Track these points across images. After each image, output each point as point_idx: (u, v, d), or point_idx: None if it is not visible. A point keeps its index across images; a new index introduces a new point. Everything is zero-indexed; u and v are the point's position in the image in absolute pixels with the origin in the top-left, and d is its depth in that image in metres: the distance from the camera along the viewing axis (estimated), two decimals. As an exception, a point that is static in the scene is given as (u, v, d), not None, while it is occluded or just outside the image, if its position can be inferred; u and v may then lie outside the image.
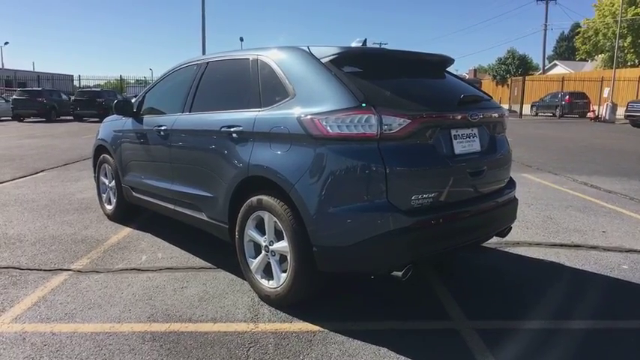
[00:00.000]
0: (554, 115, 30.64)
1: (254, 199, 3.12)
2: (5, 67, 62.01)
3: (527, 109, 32.50)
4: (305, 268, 2.88)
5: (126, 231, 4.84)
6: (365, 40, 3.65)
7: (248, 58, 3.48)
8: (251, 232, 3.23)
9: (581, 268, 3.91)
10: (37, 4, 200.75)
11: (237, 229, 3.31)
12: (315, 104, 2.85)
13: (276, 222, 3.01)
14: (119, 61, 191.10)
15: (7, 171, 8.45)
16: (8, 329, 2.84)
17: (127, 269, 3.80)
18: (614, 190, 7.11)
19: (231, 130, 3.30)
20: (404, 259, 2.73)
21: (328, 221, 2.75)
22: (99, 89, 27.78)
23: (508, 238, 4.58)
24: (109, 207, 5.27)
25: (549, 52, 66.69)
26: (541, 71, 44.79)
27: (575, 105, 29.74)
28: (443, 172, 2.89)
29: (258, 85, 3.30)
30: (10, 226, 5.00)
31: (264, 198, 3.04)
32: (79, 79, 37.29)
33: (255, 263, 3.25)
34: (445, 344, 2.71)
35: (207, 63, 3.94)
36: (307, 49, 3.14)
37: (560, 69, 44.27)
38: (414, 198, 2.72)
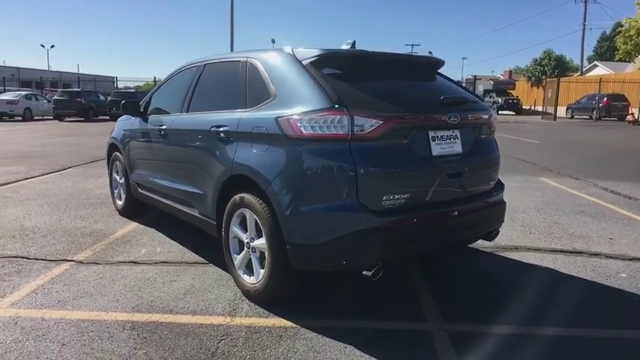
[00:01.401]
0: (590, 118, 29.59)
1: (237, 196, 3.22)
2: (52, 69, 64.91)
3: (562, 112, 31.52)
4: (280, 265, 2.95)
5: (132, 226, 5.04)
6: (354, 43, 3.68)
7: (239, 61, 3.59)
8: (235, 229, 3.33)
9: (575, 275, 3.82)
10: (83, 9, 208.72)
11: (223, 225, 3.42)
12: (292, 105, 2.93)
13: (256, 219, 3.10)
14: (157, 62, 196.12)
15: (38, 167, 8.89)
16: (3, 313, 3.03)
17: (124, 262, 3.98)
18: (635, 196, 6.86)
19: (220, 129, 3.41)
20: (373, 259, 2.76)
21: (300, 219, 2.82)
22: (133, 90, 28.70)
23: (507, 242, 4.57)
24: (119, 202, 5.49)
25: (590, 52, 64.47)
26: (579, 72, 43.27)
27: (614, 107, 28.61)
28: (418, 174, 2.90)
29: (245, 87, 3.40)
30: (28, 218, 5.29)
31: (246, 196, 3.13)
32: (117, 81, 38.36)
33: (238, 259, 3.34)
34: (412, 345, 2.73)
35: (205, 65, 4.07)
36: (291, 52, 3.21)
37: (601, 70, 42.63)
38: (385, 198, 2.75)
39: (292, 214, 2.83)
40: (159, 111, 4.62)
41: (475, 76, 33.51)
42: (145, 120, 4.70)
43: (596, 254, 4.31)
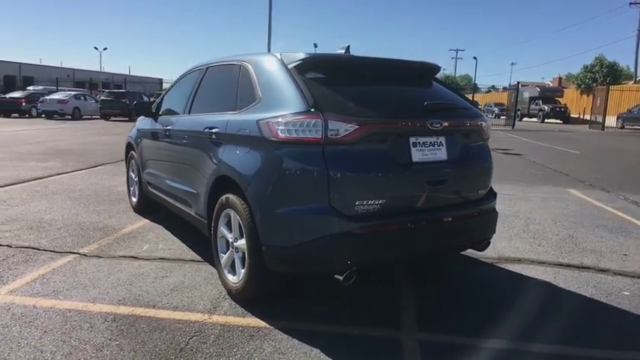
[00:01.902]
0: (642, 129, 28.09)
1: (224, 197, 3.29)
2: (105, 70, 68.01)
3: (613, 122, 30.07)
4: (258, 266, 2.99)
5: (142, 222, 5.23)
6: (348, 47, 3.69)
7: (234, 64, 3.67)
8: (222, 229, 3.40)
9: (574, 290, 3.66)
10: (134, 12, 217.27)
11: (212, 225, 3.50)
12: (274, 108, 2.97)
13: (239, 220, 3.15)
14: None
15: (72, 164, 9.35)
16: (0, 300, 3.22)
17: (125, 256, 4.13)
18: (667, 211, 6.48)
19: (212, 131, 3.50)
20: (344, 264, 2.75)
21: (274, 221, 2.85)
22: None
23: (511, 253, 4.43)
24: (134, 199, 5.71)
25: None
26: (633, 80, 41.12)
27: (668, 118, 27.05)
28: (395, 180, 2.87)
29: (237, 90, 3.48)
30: (49, 211, 5.58)
31: (230, 196, 3.20)
32: (163, 82, 39.68)
33: (224, 258, 3.41)
34: (378, 352, 2.70)
35: (207, 68, 4.18)
36: (279, 56, 3.25)
37: (659, 78, 40.37)
38: (358, 203, 2.74)
39: (267, 215, 2.87)
40: (167, 112, 4.78)
41: (518, 82, 32.37)
42: (156, 120, 4.87)
43: (603, 270, 4.11)
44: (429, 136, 3.02)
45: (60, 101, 25.22)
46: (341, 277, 2.76)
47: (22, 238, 4.53)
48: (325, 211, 2.71)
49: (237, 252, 3.25)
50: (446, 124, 3.07)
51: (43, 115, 25.83)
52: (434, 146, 3.05)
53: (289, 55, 3.19)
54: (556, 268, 4.15)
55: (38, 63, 60.51)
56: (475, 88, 42.71)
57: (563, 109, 37.40)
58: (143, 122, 5.29)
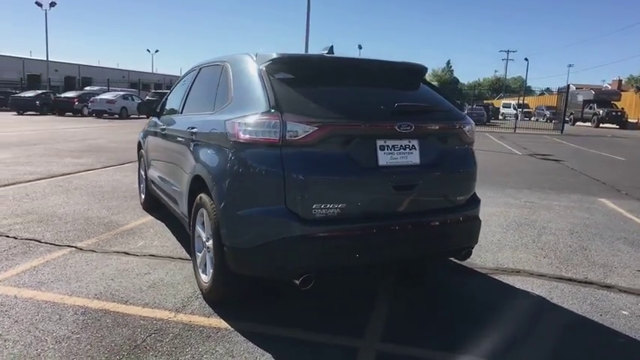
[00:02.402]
0: None
1: (198, 196, 3.30)
2: (157, 72, 70.69)
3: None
4: (223, 267, 2.98)
5: (146, 219, 5.35)
6: (331, 47, 3.62)
7: (218, 65, 3.69)
8: (198, 228, 3.42)
9: (566, 307, 3.42)
10: (184, 14, 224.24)
11: (191, 223, 3.53)
12: (241, 109, 2.95)
13: (208, 219, 3.15)
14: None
15: (103, 160, 9.74)
16: (-15, 288, 3.38)
17: (117, 252, 4.24)
18: None
19: (192, 131, 3.53)
20: (300, 268, 2.69)
21: (234, 222, 2.83)
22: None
23: (511, 264, 4.22)
24: (142, 196, 5.86)
25: None
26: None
27: None
28: (357, 184, 2.78)
29: (216, 90, 3.49)
30: (64, 206, 5.82)
31: (203, 196, 3.21)
32: None
33: (199, 257, 3.42)
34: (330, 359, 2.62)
35: (200, 68, 4.23)
36: (253, 56, 3.23)
37: None
38: (315, 207, 2.67)
39: (227, 216, 2.85)
40: (167, 111, 4.87)
41: (568, 84, 30.88)
42: (159, 120, 4.98)
43: (608, 286, 3.82)
44: (399, 139, 2.90)
45: (108, 101, 26.42)
46: (297, 282, 2.70)
47: (30, 231, 4.74)
48: (281, 213, 2.66)
49: (209, 252, 3.25)
50: (418, 126, 2.94)
51: (94, 114, 27.14)
52: (405, 150, 2.93)
53: (263, 56, 3.16)
54: (555, 281, 3.90)
55: (96, 65, 63.65)
56: (528, 91, 41.06)
57: (619, 114, 35.36)
58: (150, 122, 5.43)
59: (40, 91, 30.24)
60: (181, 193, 3.82)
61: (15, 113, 28.01)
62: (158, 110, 5.10)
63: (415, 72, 3.45)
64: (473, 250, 4.49)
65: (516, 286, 3.78)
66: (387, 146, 2.87)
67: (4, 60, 51.84)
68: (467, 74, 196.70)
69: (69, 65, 56.30)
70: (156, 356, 2.60)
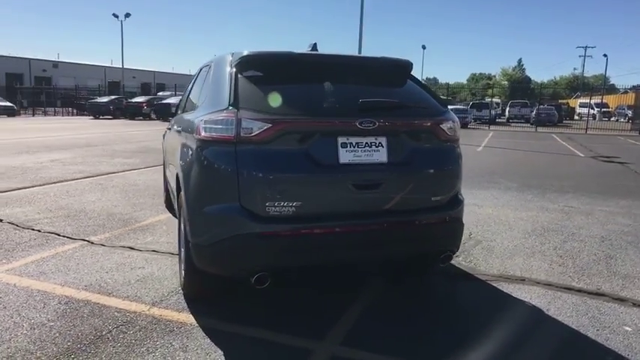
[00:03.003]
0: None
1: (180, 194, 3.38)
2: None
3: None
4: (191, 263, 3.02)
5: (164, 216, 5.56)
6: (315, 45, 3.57)
7: (208, 64, 3.76)
8: (181, 225, 3.50)
9: (561, 320, 3.13)
10: (246, 21, 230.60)
11: (179, 219, 3.62)
12: (209, 107, 2.99)
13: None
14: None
15: (149, 161, 10.25)
16: (-7, 276, 3.66)
17: (123, 246, 4.43)
18: None
19: (178, 129, 3.63)
20: (253, 266, 2.67)
21: (195, 219, 2.86)
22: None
23: (518, 271, 3.98)
24: (165, 194, 6.10)
25: None
26: None
27: None
28: (313, 182, 2.72)
29: (201, 90, 3.56)
30: (94, 202, 6.19)
31: (181, 193, 3.28)
32: None
33: (182, 253, 3.50)
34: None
35: (201, 68, 4.33)
36: (230, 56, 3.25)
37: None
38: (268, 205, 2.64)
39: (190, 213, 2.89)
40: (178, 112, 5.03)
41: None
42: (171, 120, 5.16)
43: (621, 300, 3.46)
44: (363, 136, 2.80)
45: (173, 105, 27.74)
46: (252, 281, 2.69)
47: (54, 225, 5.08)
48: (235, 211, 2.66)
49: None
50: (385, 123, 2.82)
51: (160, 118, 28.64)
52: (370, 147, 2.82)
53: (236, 54, 3.17)
54: (560, 292, 3.58)
55: (170, 71, 67.17)
56: (610, 89, 38.15)
57: None
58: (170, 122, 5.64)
59: (113, 97, 32.44)
60: (173, 190, 3.93)
61: (92, 117, 30.28)
62: (173, 111, 5.28)
63: (398, 68, 3.31)
64: (480, 255, 4.33)
65: (513, 295, 3.52)
66: (350, 144, 2.78)
67: (88, 69, 56.23)
68: (542, 73, 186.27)
69: (145, 72, 59.89)
70: (114, 347, 2.69)
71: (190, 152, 3.00)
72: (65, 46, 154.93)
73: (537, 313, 3.22)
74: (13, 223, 5.09)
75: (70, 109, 36.19)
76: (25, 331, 2.84)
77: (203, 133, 2.81)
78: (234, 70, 3.03)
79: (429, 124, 2.99)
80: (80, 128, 21.17)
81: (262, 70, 3.03)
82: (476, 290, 3.64)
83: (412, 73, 3.40)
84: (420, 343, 2.82)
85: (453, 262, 4.17)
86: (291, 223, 2.67)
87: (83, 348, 2.67)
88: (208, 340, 2.77)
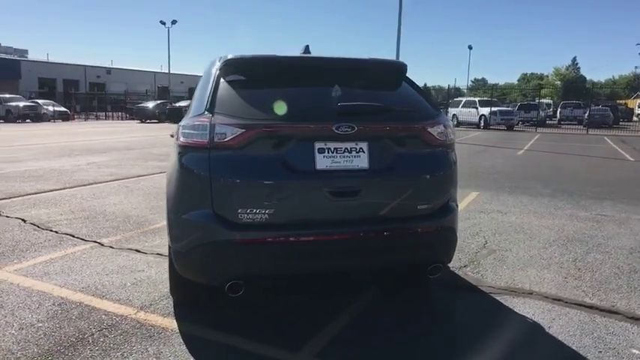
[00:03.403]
0: None
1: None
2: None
3: None
4: (173, 268, 3.02)
5: (177, 219, 5.63)
6: (307, 47, 3.49)
7: (204, 69, 3.76)
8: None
9: (561, 339, 2.90)
10: (297, 25, 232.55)
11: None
12: (191, 112, 2.98)
13: None
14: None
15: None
16: (0, 276, 3.81)
17: (130, 249, 4.52)
18: None
19: (172, 134, 3.64)
20: (226, 274, 2.63)
21: (173, 225, 2.86)
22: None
23: (526, 284, 3.79)
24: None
25: None
26: None
27: None
28: (287, 188, 2.64)
29: (194, 94, 3.55)
30: (116, 204, 6.37)
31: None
32: None
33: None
34: (247, 372, 2.51)
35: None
36: (218, 60, 3.23)
37: None
38: (240, 211, 2.59)
39: (168, 218, 2.90)
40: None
41: None
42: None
43: (635, 319, 3.17)
44: (342, 141, 2.70)
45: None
46: (225, 289, 2.65)
47: (72, 226, 5.26)
48: (208, 217, 2.63)
49: None
50: (366, 128, 2.71)
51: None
52: (351, 153, 2.72)
53: (222, 58, 3.15)
54: (568, 308, 3.33)
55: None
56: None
57: None
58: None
59: (159, 101, 33.58)
60: None
61: (139, 121, 31.48)
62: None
63: (389, 70, 3.19)
64: (490, 266, 4.10)
65: (515, 310, 3.30)
66: (329, 149, 2.69)
67: (139, 74, 58.53)
68: (599, 72, 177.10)
69: (192, 77, 61.65)
70: (91, 351, 2.71)
71: (172, 158, 3.00)
72: (118, 53, 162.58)
73: (536, 331, 3.00)
74: (34, 224, 5.31)
75: (120, 113, 37.79)
76: (13, 331, 2.92)
77: (181, 139, 2.80)
78: (217, 74, 3.00)
79: (415, 128, 2.85)
80: (125, 132, 22.03)
81: (245, 74, 2.99)
82: (475, 304, 3.45)
83: (407, 75, 3.26)
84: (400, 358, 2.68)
85: (459, 272, 4.00)
86: (264, 231, 2.61)
87: (62, 350, 2.71)
88: (184, 347, 2.75)
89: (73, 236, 4.90)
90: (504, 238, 5.04)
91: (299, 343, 2.80)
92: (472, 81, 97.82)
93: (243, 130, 2.59)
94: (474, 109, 29.54)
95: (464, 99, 32.23)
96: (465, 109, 30.34)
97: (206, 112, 2.71)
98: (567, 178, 9.38)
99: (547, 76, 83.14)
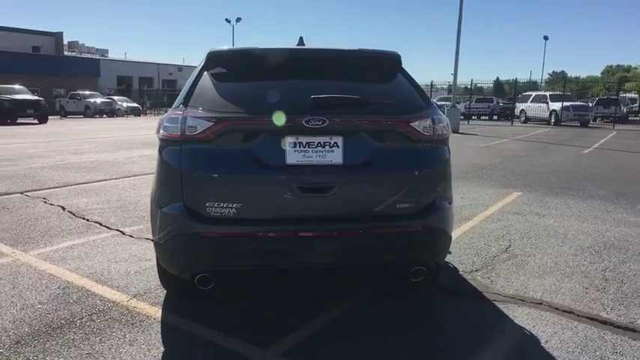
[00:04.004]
0: None
1: None
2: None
3: None
4: (157, 259, 3.09)
5: (202, 211, 5.77)
6: (301, 39, 3.41)
7: None
8: None
9: (557, 355, 2.63)
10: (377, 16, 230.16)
11: None
12: (172, 106, 3.01)
13: None
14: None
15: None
16: (22, 258, 4.08)
17: (147, 238, 4.66)
18: None
19: None
20: (193, 266, 2.64)
21: (153, 217, 2.90)
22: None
23: (537, 294, 3.55)
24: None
25: None
26: None
27: None
28: (255, 183, 2.59)
29: None
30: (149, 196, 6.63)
31: None
32: None
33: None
34: (208, 366, 2.50)
35: None
36: (210, 51, 3.24)
37: None
38: (208, 205, 2.58)
39: (151, 210, 2.94)
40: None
41: None
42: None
43: (653, 338, 2.81)
44: (314, 135, 2.61)
45: None
46: (194, 282, 2.66)
47: (103, 215, 5.55)
48: (179, 210, 2.65)
49: None
50: (340, 121, 2.60)
51: None
52: (324, 147, 2.62)
53: (209, 51, 3.14)
54: (577, 322, 3.02)
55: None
56: None
57: None
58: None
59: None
60: None
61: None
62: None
63: (380, 61, 3.04)
64: (504, 272, 3.84)
65: (515, 321, 3.05)
66: (300, 143, 2.61)
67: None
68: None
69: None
70: (75, 334, 2.83)
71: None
72: (190, 51, 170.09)
73: (527, 346, 2.75)
74: (71, 212, 5.65)
75: (188, 108, 39.41)
76: (14, 311, 3.11)
77: (161, 132, 2.84)
78: (201, 66, 3.01)
79: (395, 122, 2.69)
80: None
81: (227, 66, 2.97)
82: (473, 312, 3.22)
83: (401, 66, 3.09)
84: (372, 363, 2.56)
85: (467, 277, 3.77)
86: (232, 225, 2.59)
87: (49, 332, 2.85)
88: (159, 336, 2.80)
89: (101, 224, 5.16)
90: (532, 242, 4.69)
91: (270, 341, 2.75)
92: (549, 74, 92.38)
93: (212, 124, 2.58)
94: (544, 104, 27.87)
95: (533, 93, 30.47)
96: (534, 104, 28.70)
97: (181, 105, 2.73)
98: (631, 180, 8.56)
99: (635, 68, 76.64)
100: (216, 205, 2.58)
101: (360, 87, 2.87)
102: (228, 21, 41.71)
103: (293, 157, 2.60)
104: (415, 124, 2.71)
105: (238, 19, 42.10)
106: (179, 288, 3.18)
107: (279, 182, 2.59)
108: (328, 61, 3.04)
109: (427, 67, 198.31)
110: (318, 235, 2.60)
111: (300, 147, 2.61)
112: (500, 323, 3.03)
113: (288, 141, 2.61)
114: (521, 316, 3.11)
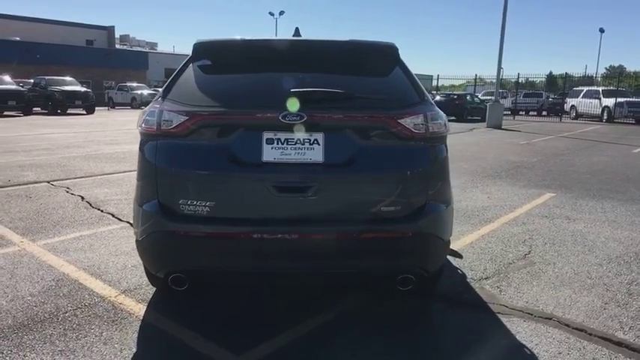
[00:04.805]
0: None
1: None
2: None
3: None
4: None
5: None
6: (297, 29, 3.23)
7: None
8: None
9: (556, 379, 2.36)
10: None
11: None
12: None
13: None
14: (481, 59, 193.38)
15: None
16: (29, 248, 4.14)
17: (154, 231, 4.66)
18: None
19: None
20: (167, 266, 2.54)
21: (134, 214, 2.82)
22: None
23: (549, 308, 3.27)
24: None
25: None
26: None
27: None
28: (228, 180, 2.46)
29: None
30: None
31: None
32: (437, 79, 34.57)
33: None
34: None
35: None
36: (196, 42, 3.12)
37: None
38: (181, 202, 2.48)
39: (133, 208, 2.86)
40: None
41: None
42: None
43: (674, 367, 2.48)
44: (293, 131, 2.44)
45: None
46: (168, 282, 2.56)
47: (118, 207, 5.59)
48: (154, 207, 2.55)
49: None
50: (320, 117, 2.42)
51: None
52: (303, 145, 2.45)
53: (197, 41, 3.02)
54: (587, 341, 2.72)
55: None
56: None
57: None
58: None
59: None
60: None
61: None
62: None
63: (373, 54, 2.83)
64: (517, 281, 3.57)
65: (518, 337, 2.78)
66: (278, 140, 2.45)
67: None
68: None
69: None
70: (55, 328, 2.80)
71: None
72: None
73: (530, 365, 2.49)
74: (88, 202, 5.74)
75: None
76: (4, 302, 3.13)
77: (142, 125, 2.75)
78: (191, 59, 2.90)
79: (381, 118, 2.48)
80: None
81: (212, 58, 2.84)
82: (472, 325, 2.96)
83: (398, 59, 2.86)
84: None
85: (475, 285, 3.51)
86: (204, 224, 2.47)
87: (30, 325, 2.83)
88: (134, 335, 2.73)
89: (113, 215, 5.20)
90: (555, 249, 4.33)
91: (244, 348, 2.62)
92: (606, 68, 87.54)
93: (187, 118, 2.46)
94: (596, 100, 26.35)
95: (585, 88, 28.84)
96: (585, 100, 27.21)
97: (160, 99, 2.63)
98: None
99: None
100: (189, 202, 2.46)
101: (349, 80, 2.68)
102: (271, 14, 41.98)
103: (270, 154, 2.44)
104: (404, 121, 2.49)
105: (281, 12, 42.28)
106: (160, 286, 3.11)
107: (254, 180, 2.45)
108: (319, 53, 2.85)
109: (477, 62, 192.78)
110: (295, 237, 2.44)
111: (277, 144, 2.45)
112: (499, 339, 2.77)
113: (265, 137, 2.45)
114: (524, 332, 2.84)
